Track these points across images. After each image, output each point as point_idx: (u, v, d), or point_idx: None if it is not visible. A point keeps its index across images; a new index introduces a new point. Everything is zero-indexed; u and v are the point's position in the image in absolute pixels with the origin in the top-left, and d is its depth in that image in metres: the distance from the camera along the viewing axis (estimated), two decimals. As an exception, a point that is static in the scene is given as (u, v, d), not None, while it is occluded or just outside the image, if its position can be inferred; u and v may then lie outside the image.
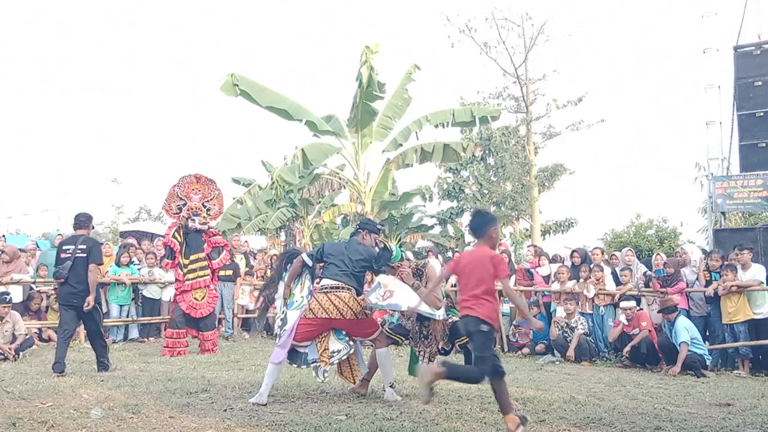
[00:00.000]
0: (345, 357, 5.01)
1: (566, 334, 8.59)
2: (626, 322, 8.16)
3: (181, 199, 8.60)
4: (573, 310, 8.65)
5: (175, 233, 8.49)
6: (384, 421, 4.05)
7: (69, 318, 6.63)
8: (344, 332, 4.99)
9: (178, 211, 8.56)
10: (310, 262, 5.20)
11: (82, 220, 6.91)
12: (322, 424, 3.96)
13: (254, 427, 3.93)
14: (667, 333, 7.80)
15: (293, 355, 4.98)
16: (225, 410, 4.42)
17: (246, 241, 12.38)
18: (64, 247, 6.75)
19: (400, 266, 5.17)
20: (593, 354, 8.49)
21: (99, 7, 63.30)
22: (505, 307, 9.62)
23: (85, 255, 6.61)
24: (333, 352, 4.93)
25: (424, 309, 4.88)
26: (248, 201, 13.52)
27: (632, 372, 7.64)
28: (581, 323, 8.60)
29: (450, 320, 5.06)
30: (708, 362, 7.63)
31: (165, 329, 9.37)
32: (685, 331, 7.46)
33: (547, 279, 9.70)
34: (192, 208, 8.54)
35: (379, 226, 5.45)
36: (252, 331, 11.39)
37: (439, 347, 5.14)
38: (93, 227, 7.33)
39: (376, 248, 5.23)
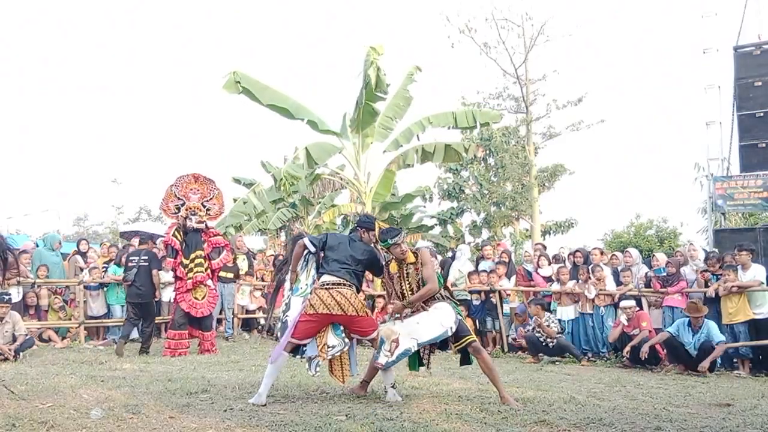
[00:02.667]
0: (338, 354, 4.98)
1: (538, 334, 8.57)
2: (626, 323, 8.16)
3: (179, 199, 8.59)
4: (536, 312, 8.61)
5: (176, 232, 8.49)
6: (384, 422, 4.05)
7: (134, 311, 8.77)
8: (342, 328, 4.96)
9: (176, 211, 8.55)
10: (312, 249, 5.11)
11: (143, 238, 9.71)
12: (322, 424, 3.96)
13: (254, 427, 3.93)
14: (681, 334, 7.61)
15: (293, 350, 4.97)
16: (225, 410, 4.42)
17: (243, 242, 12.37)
18: (131, 258, 8.91)
19: (400, 245, 5.13)
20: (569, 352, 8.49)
21: (99, 7, 63.34)
22: (505, 308, 9.61)
23: (147, 263, 8.74)
24: (330, 347, 4.90)
25: (433, 334, 4.86)
26: (253, 200, 13.49)
27: (632, 372, 7.64)
28: (553, 322, 8.58)
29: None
30: (716, 366, 7.62)
31: (166, 330, 9.37)
32: (720, 336, 7.41)
33: (548, 280, 9.70)
34: (190, 208, 8.54)
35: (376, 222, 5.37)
36: (251, 331, 11.39)
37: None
38: (155, 242, 9.84)
39: (376, 246, 5.21)
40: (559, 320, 8.86)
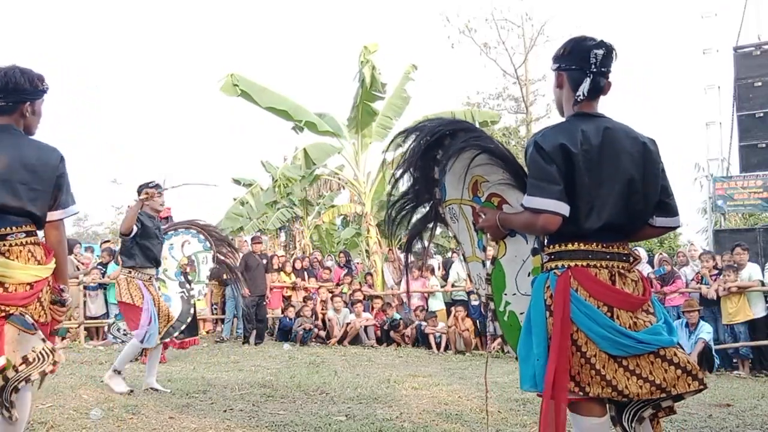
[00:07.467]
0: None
1: None
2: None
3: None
4: None
5: None
6: (384, 422, 4.05)
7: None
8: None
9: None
10: None
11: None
12: (322, 424, 3.96)
13: (254, 427, 3.93)
14: (679, 332, 7.67)
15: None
16: (225, 411, 4.42)
17: (245, 241, 12.39)
18: None
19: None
20: None
21: (99, 7, 63.36)
22: (505, 308, 9.58)
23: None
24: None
25: None
26: (250, 201, 13.49)
27: (632, 372, 7.61)
28: None
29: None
30: (716, 367, 7.62)
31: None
32: (708, 334, 7.44)
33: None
34: None
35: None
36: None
37: None
38: None
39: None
40: None
